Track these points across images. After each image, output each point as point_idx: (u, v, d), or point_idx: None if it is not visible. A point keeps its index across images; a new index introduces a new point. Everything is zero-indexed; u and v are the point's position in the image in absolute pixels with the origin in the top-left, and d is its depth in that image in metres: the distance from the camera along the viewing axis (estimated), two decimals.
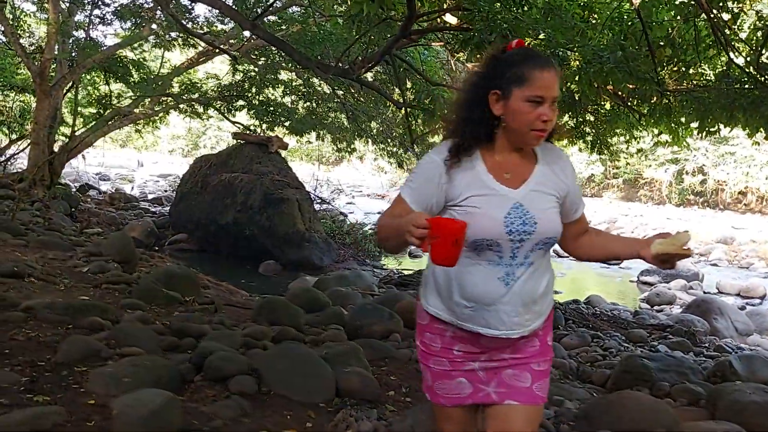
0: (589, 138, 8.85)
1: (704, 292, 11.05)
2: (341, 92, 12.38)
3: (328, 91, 12.87)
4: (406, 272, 9.74)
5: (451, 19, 6.52)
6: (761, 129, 5.99)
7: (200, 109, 14.47)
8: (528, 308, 1.68)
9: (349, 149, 15.14)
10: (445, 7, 6.56)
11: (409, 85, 9.54)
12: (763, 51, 6.36)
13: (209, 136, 37.08)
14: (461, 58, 8.52)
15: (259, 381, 3.20)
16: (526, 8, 5.87)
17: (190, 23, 11.61)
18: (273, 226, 10.43)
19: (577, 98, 7.19)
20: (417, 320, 1.83)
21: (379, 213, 20.28)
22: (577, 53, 5.78)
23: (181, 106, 14.16)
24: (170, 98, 13.88)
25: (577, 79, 5.98)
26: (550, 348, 1.84)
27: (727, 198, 34.56)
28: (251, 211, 10.61)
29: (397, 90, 10.02)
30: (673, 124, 6.71)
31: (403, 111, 9.05)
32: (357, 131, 13.61)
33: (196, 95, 13.58)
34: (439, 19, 6.71)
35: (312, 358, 3.47)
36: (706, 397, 3.87)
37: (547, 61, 1.63)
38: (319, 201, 15.01)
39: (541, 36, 5.84)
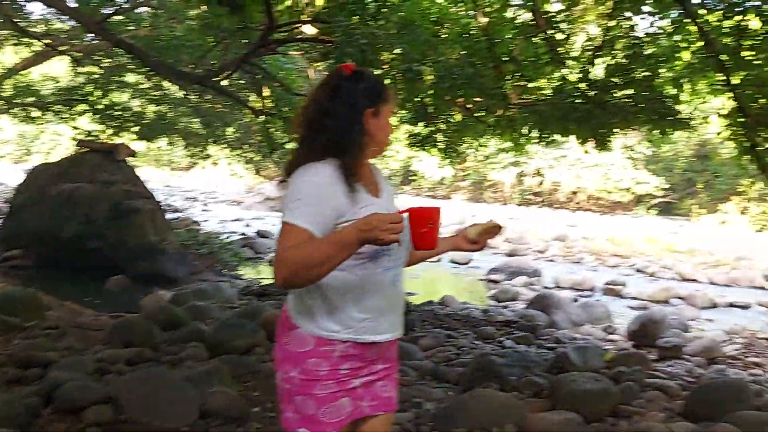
0: (441, 145, 9.32)
1: (544, 287, 12.04)
2: (194, 97, 12.00)
3: (180, 96, 12.42)
4: (265, 282, 9.64)
5: (309, 29, 6.60)
6: (590, 139, 6.67)
7: (36, 113, 13.31)
8: (401, 306, 1.87)
9: (202, 155, 14.70)
10: (303, 18, 6.61)
11: (267, 92, 9.48)
12: (591, 68, 7.07)
13: (44, 140, 34.07)
14: (320, 68, 8.63)
15: (117, 409, 3.06)
16: (382, 23, 6.08)
17: (25, 21, 10.66)
18: (122, 238, 9.87)
19: (431, 110, 7.57)
20: (290, 349, 1.76)
21: (237, 220, 19.87)
22: (431, 68, 6.08)
23: (14, 110, 12.96)
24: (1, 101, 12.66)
25: (431, 92, 6.29)
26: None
27: (561, 197, 37.83)
28: (97, 224, 9.95)
29: (255, 97, 9.91)
30: (515, 134, 7.28)
31: (261, 118, 8.98)
32: (212, 137, 13.25)
33: (32, 98, 12.49)
34: (297, 30, 6.75)
35: (172, 380, 3.37)
36: (548, 388, 4.23)
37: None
38: (171, 210, 14.38)
39: (397, 50, 6.09)
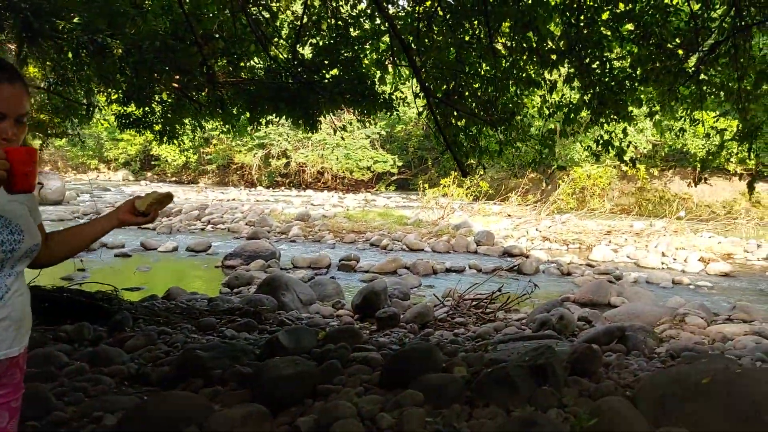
0: (157, 128, 8.66)
1: (281, 269, 12.07)
2: None
3: None
4: None
5: None
6: (301, 120, 6.66)
7: None
8: (22, 322, 1.72)
9: None
10: None
11: None
12: (298, 48, 7.04)
13: None
14: None
15: None
16: None
17: None
18: None
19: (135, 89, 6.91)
20: None
21: None
22: (118, 41, 5.49)
23: None
24: None
25: (121, 67, 5.70)
26: (22, 382, 1.79)
27: (308, 178, 38.65)
28: None
29: None
30: (226, 115, 6.99)
31: None
32: None
33: None
34: None
35: None
36: (251, 377, 4.09)
37: (14, 76, 1.61)
38: None
39: (76, 19, 5.38)
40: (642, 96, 6.84)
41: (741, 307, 9.13)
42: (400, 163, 37.46)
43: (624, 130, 6.44)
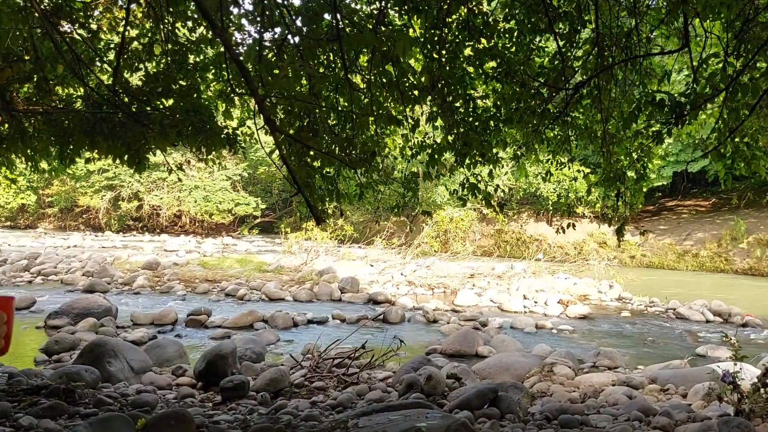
0: None
1: (118, 328, 10.54)
2: None
3: None
4: None
5: None
6: (125, 157, 5.59)
7: None
8: None
9: None
10: None
11: None
12: (127, 74, 6.02)
13: None
14: None
15: None
16: None
17: None
18: None
19: None
20: None
21: None
22: None
23: None
24: None
25: None
26: None
27: (163, 221, 36.20)
28: None
29: None
30: (27, 149, 5.74)
31: None
32: None
33: None
34: None
35: None
36: None
37: None
38: None
39: None
40: (507, 138, 6.52)
41: (604, 353, 9.07)
42: (263, 206, 36.20)
43: (490, 173, 6.03)
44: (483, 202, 5.96)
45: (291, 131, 5.77)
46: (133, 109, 5.44)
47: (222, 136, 5.79)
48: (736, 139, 4.81)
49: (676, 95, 4.34)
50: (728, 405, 5.64)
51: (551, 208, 26.89)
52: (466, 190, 6.07)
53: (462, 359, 9.09)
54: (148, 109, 5.64)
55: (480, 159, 6.13)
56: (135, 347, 7.93)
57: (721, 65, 4.41)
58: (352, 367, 7.56)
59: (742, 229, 24.26)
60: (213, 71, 6.20)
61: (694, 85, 4.52)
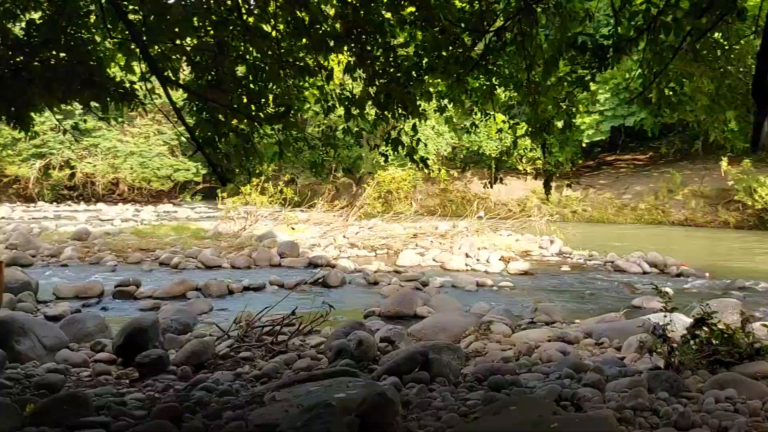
0: None
1: (39, 303, 9.93)
2: None
3: None
4: None
5: None
6: (4, 116, 5.02)
7: None
8: None
9: None
10: None
11: None
12: (9, 24, 5.42)
13: None
14: None
15: None
16: None
17: None
18: None
19: None
20: None
21: None
22: None
23: None
24: None
25: None
26: None
27: (99, 190, 34.76)
28: None
29: None
30: None
31: None
32: None
33: None
34: None
35: None
36: None
37: None
38: None
39: None
40: (431, 89, 6.20)
41: (542, 309, 9.03)
42: (204, 171, 35.09)
43: (414, 127, 5.71)
44: (407, 157, 5.65)
45: (200, 83, 5.31)
46: (14, 62, 4.87)
47: (115, 90, 5.25)
48: (662, 85, 4.63)
49: (598, 38, 4.09)
50: (659, 358, 5.60)
51: (494, 166, 26.95)
52: (389, 145, 5.74)
53: (401, 321, 8.92)
54: (35, 63, 5.08)
55: (403, 112, 5.80)
56: (48, 323, 7.42)
57: (644, 6, 4.18)
58: (284, 334, 7.26)
59: (677, 181, 24.84)
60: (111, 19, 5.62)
61: (617, 27, 4.27)
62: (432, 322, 8.01)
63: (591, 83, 5.15)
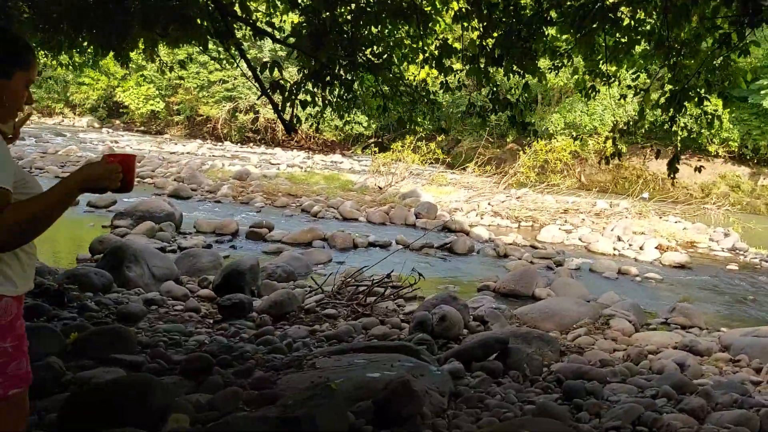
0: None
1: (179, 233, 10.63)
2: None
3: None
4: None
5: None
6: (107, 47, 5.13)
7: None
8: None
9: None
10: None
11: None
12: None
13: None
14: None
15: None
16: None
17: None
18: None
19: None
20: None
21: None
22: None
23: None
24: None
25: None
26: None
27: (279, 136, 36.82)
28: None
29: None
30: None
31: None
32: None
33: None
34: None
35: None
36: None
37: (34, 53, 1.85)
38: None
39: None
40: (560, 43, 5.37)
41: (681, 309, 7.80)
42: (375, 125, 35.70)
43: (526, 85, 4.96)
44: (510, 122, 4.93)
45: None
46: None
47: (221, 29, 5.14)
48: None
49: None
50: None
51: (679, 144, 24.12)
52: (493, 104, 5.07)
53: (515, 300, 8.25)
54: None
55: (518, 69, 5.07)
56: (162, 254, 7.83)
57: None
58: (373, 297, 6.97)
59: None
60: None
61: None
62: (541, 306, 7.25)
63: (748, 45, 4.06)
